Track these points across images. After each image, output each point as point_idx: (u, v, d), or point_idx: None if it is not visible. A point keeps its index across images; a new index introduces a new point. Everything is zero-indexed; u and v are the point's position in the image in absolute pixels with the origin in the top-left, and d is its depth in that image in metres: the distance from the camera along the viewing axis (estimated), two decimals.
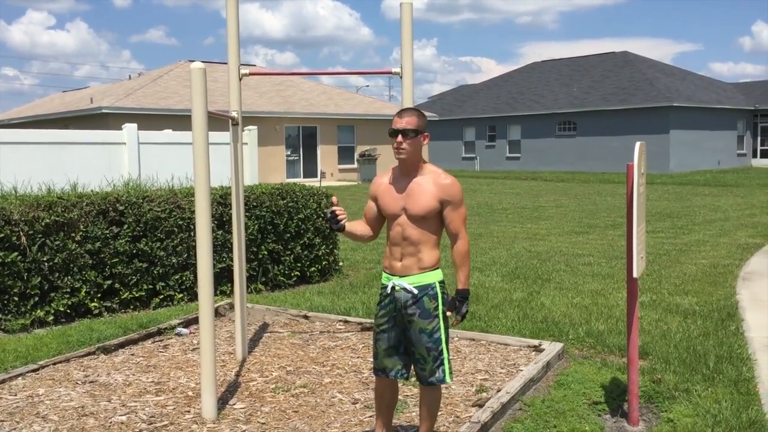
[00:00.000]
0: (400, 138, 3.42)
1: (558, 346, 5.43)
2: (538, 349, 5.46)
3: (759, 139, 39.98)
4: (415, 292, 3.47)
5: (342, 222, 3.48)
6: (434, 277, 3.51)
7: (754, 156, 39.90)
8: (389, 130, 3.48)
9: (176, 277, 7.24)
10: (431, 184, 3.47)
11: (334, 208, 3.47)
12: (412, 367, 3.64)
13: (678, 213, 16.17)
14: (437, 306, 3.51)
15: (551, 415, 4.27)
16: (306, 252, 8.29)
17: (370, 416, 4.20)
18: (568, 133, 37.71)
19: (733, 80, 62.39)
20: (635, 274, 4.04)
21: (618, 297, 7.33)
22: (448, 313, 3.51)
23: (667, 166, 33.20)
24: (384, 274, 3.61)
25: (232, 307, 6.77)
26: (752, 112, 39.39)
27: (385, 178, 3.62)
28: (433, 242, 3.51)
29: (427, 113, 35.14)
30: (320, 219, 8.40)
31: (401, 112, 3.50)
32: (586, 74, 40.50)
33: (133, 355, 5.56)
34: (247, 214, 7.59)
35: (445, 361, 3.53)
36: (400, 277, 3.51)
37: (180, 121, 23.90)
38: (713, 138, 36.53)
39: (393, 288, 3.53)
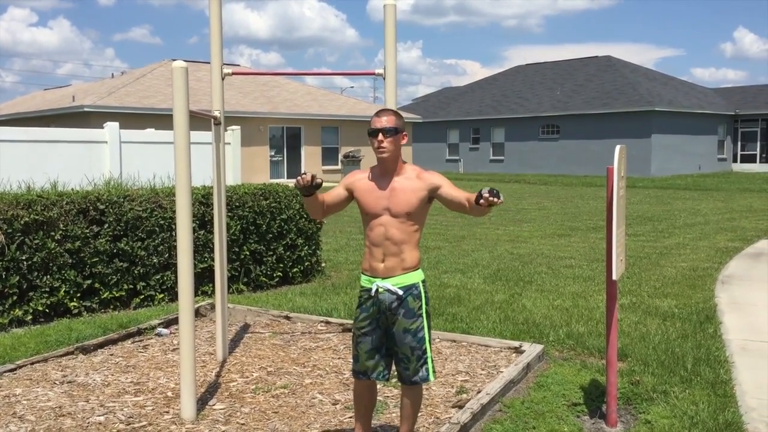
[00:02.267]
0: (380, 137, 3.45)
1: (538, 348, 5.46)
2: (518, 351, 5.49)
3: (739, 144, 40.43)
4: (400, 293, 3.49)
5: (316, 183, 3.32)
6: (417, 276, 3.54)
7: (735, 161, 40.34)
8: (369, 129, 3.49)
9: (157, 277, 7.20)
10: (414, 179, 3.51)
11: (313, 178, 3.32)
12: (393, 369, 3.65)
13: (659, 216, 16.31)
14: (421, 305, 3.53)
15: (530, 416, 4.29)
16: (288, 253, 8.27)
17: (350, 417, 4.20)
18: (551, 136, 37.91)
19: (715, 85, 63.08)
20: (614, 277, 4.08)
21: (598, 299, 7.38)
22: (483, 200, 3.19)
23: (649, 170, 33.48)
24: (364, 277, 3.60)
25: (213, 307, 6.74)
26: (733, 117, 39.84)
27: (365, 175, 3.61)
28: (414, 242, 3.53)
29: (411, 115, 35.22)
30: (303, 219, 8.39)
31: (379, 113, 3.53)
32: (570, 78, 40.75)
33: (112, 355, 5.52)
34: (229, 214, 7.56)
35: (429, 360, 3.56)
36: (383, 278, 3.52)
37: (163, 120, 23.77)
38: (694, 142, 36.89)
39: (377, 290, 3.53)
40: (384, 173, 3.55)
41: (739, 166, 39.93)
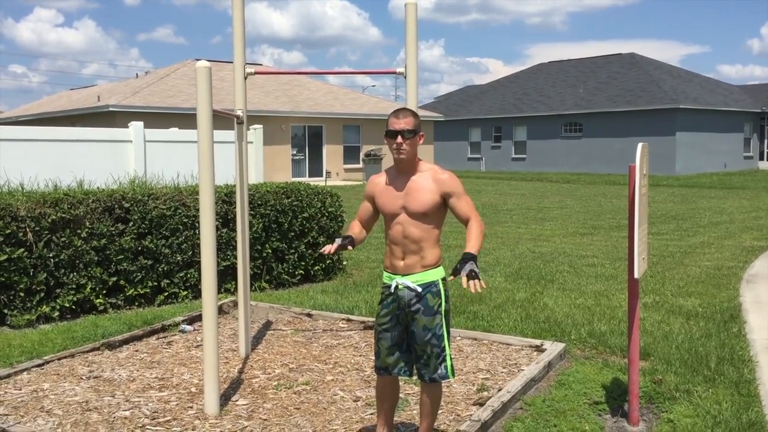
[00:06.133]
0: (400, 139, 3.47)
1: (560, 347, 5.45)
2: (539, 349, 5.48)
3: (766, 141, 39.86)
4: (419, 290, 3.51)
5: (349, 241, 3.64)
6: (437, 274, 3.56)
7: (761, 158, 39.79)
8: (387, 131, 3.52)
9: (181, 275, 7.28)
10: (430, 180, 3.53)
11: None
12: (414, 365, 3.68)
13: (683, 215, 16.15)
14: (440, 303, 3.55)
15: (552, 414, 4.29)
16: (310, 251, 8.32)
17: (372, 414, 4.23)
18: (573, 134, 37.67)
19: (741, 82, 62.16)
20: (636, 275, 4.06)
21: (621, 298, 7.34)
22: (451, 278, 3.40)
23: (673, 168, 33.15)
24: (385, 274, 3.64)
25: (236, 304, 6.80)
26: (759, 114, 39.29)
27: (382, 178, 3.67)
28: (434, 239, 3.55)
29: (432, 113, 35.19)
30: (325, 218, 8.44)
31: (397, 113, 3.55)
32: (593, 75, 40.45)
33: (137, 351, 5.60)
34: (251, 212, 7.63)
35: (448, 358, 3.57)
36: (403, 275, 3.54)
37: (186, 119, 23.98)
38: (720, 140, 36.44)
39: (396, 287, 3.56)
40: (400, 173, 3.58)
41: (765, 164, 39.38)
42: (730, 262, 9.68)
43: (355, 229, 3.72)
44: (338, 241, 3.59)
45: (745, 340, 5.87)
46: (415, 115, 3.57)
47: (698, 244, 11.46)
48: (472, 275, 3.25)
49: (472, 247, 3.40)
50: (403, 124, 3.49)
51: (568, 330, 6.09)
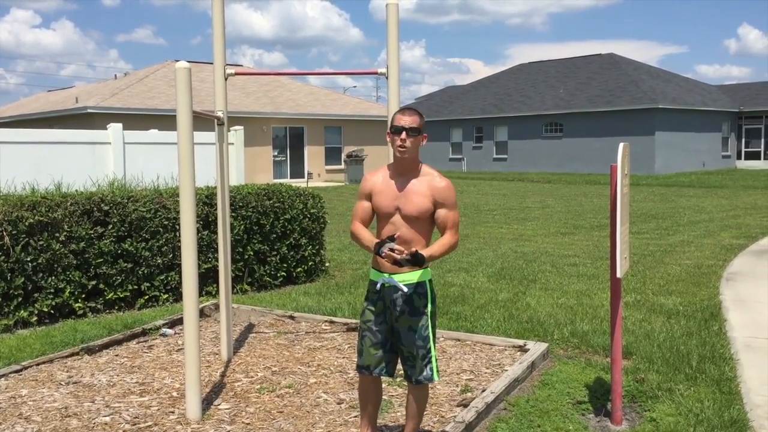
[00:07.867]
0: (404, 135, 3.45)
1: (543, 347, 5.45)
2: (523, 349, 5.49)
3: (743, 141, 40.32)
4: (406, 290, 3.48)
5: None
6: (424, 275, 3.54)
7: (739, 158, 40.24)
8: (392, 127, 3.49)
9: (161, 278, 7.21)
10: (426, 185, 3.50)
11: (395, 246, 3.31)
12: (399, 366, 3.65)
13: (663, 214, 16.28)
14: (426, 304, 3.53)
15: (535, 414, 4.29)
16: (292, 252, 8.28)
17: (355, 416, 4.21)
18: (554, 134, 37.87)
19: (719, 82, 62.81)
20: (618, 274, 4.08)
21: (603, 297, 7.37)
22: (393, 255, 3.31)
23: (653, 167, 33.42)
24: (373, 271, 3.61)
25: (217, 307, 6.74)
26: (737, 114, 39.73)
27: (378, 176, 3.61)
28: (425, 241, 3.54)
29: None
30: (306, 219, 8.40)
31: (403, 111, 3.53)
32: (573, 76, 40.69)
33: (117, 355, 5.54)
34: (233, 214, 7.57)
35: (433, 360, 3.56)
36: (390, 274, 3.52)
37: (166, 121, 23.80)
38: (698, 140, 36.81)
39: (383, 285, 3.53)
40: (399, 173, 3.54)
41: (743, 163, 39.83)
42: (710, 261, 9.76)
43: (367, 233, 3.57)
44: (388, 245, 3.33)
45: (725, 338, 5.91)
46: (421, 115, 3.55)
47: (678, 243, 11.55)
48: (400, 257, 3.25)
49: (429, 249, 3.40)
50: (410, 121, 3.47)
51: (550, 330, 6.10)
